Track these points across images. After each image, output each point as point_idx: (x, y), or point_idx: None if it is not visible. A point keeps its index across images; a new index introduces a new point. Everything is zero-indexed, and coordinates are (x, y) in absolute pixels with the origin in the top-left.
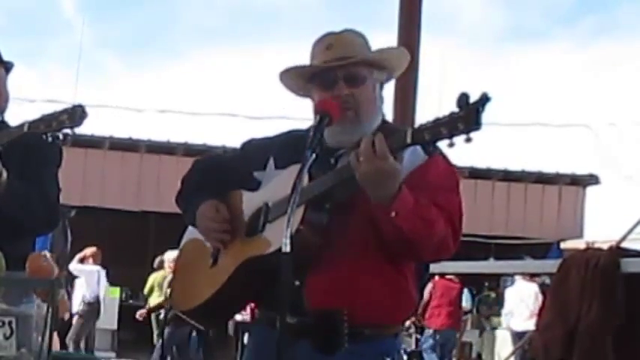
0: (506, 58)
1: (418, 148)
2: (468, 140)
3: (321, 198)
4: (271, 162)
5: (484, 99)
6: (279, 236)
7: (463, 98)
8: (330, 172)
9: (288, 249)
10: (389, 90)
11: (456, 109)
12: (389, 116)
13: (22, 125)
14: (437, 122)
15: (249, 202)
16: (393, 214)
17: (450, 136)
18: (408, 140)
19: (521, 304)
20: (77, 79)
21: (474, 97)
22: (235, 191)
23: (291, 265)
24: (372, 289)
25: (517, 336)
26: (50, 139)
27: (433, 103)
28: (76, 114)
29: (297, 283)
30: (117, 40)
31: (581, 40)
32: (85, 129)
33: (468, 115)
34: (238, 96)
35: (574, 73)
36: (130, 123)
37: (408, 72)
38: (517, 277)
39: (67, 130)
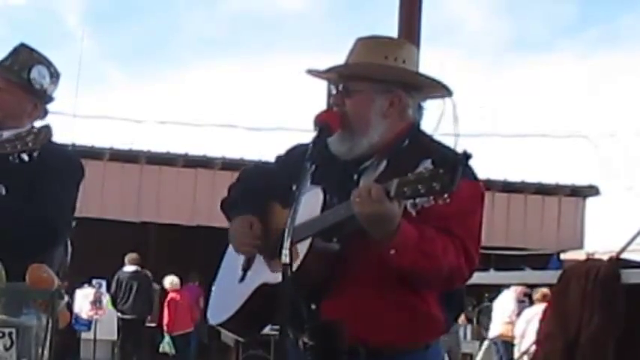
0: (508, 69)
1: None
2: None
3: (331, 230)
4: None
5: (464, 157)
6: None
7: (443, 157)
8: (341, 205)
9: (287, 260)
10: None
11: (436, 167)
12: (458, 130)
13: None
14: (417, 178)
15: (281, 219)
16: (392, 251)
17: (427, 195)
18: (392, 194)
19: (496, 312)
20: (77, 90)
21: (456, 154)
22: (274, 204)
23: (292, 285)
24: (387, 315)
25: (491, 342)
26: (17, 160)
27: (434, 115)
28: (40, 135)
29: (313, 306)
30: (118, 51)
31: (582, 52)
32: (84, 140)
33: (445, 176)
34: (238, 107)
35: (575, 84)
36: (130, 134)
37: None
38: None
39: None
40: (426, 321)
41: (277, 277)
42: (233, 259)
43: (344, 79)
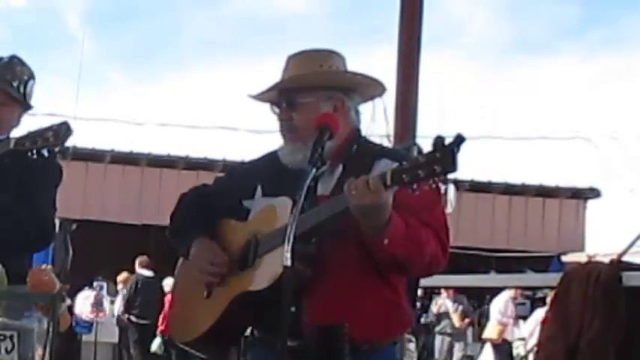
0: (510, 71)
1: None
2: (445, 180)
3: (310, 232)
4: (259, 190)
5: (459, 140)
6: (268, 273)
7: (439, 141)
8: (322, 206)
9: (289, 263)
10: (389, 104)
11: (432, 151)
12: (390, 130)
13: (8, 141)
14: (415, 164)
15: (240, 232)
16: (386, 241)
17: (428, 178)
18: (388, 183)
19: (491, 313)
20: (78, 93)
21: (449, 139)
22: (225, 220)
23: (291, 286)
24: (367, 309)
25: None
26: (36, 155)
27: (434, 117)
28: (61, 132)
29: (292, 309)
30: (119, 53)
31: (585, 54)
32: (85, 142)
33: (444, 158)
34: (239, 109)
35: (576, 86)
36: (131, 136)
37: (408, 85)
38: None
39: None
40: (400, 313)
41: (256, 285)
42: (192, 276)
43: (285, 95)
